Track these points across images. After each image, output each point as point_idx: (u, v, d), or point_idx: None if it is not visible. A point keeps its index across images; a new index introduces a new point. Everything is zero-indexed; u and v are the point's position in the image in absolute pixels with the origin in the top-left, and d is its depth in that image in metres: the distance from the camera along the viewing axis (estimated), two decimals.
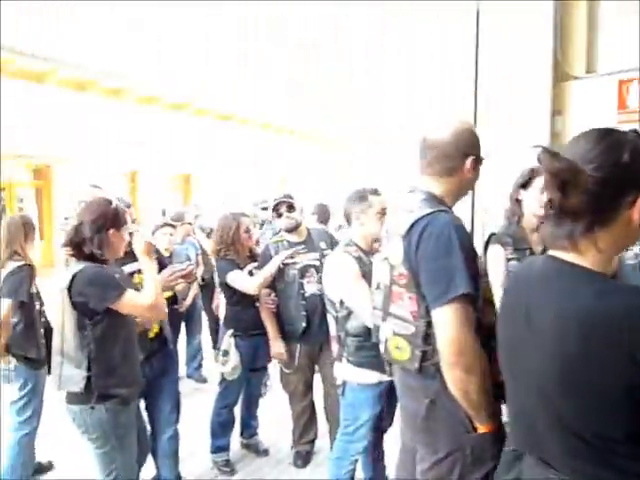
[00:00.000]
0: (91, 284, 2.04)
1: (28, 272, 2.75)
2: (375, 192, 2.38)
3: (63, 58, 9.11)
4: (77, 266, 2.09)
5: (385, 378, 2.29)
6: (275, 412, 3.67)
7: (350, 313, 2.27)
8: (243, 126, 13.62)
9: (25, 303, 2.73)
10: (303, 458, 3.25)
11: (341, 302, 2.29)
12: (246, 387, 3.26)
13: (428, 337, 1.45)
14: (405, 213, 1.53)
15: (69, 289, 2.03)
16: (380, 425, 2.42)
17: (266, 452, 3.39)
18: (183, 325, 4.63)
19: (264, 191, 7.72)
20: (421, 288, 1.45)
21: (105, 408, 2.08)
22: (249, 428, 3.45)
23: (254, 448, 3.42)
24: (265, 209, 5.02)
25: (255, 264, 3.11)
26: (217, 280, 3.30)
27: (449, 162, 1.58)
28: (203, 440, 3.29)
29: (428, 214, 1.46)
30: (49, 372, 2.79)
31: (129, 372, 2.18)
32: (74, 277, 2.05)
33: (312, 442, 3.30)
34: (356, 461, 2.40)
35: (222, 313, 3.30)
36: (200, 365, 4.80)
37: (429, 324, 1.44)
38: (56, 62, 8.98)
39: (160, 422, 2.73)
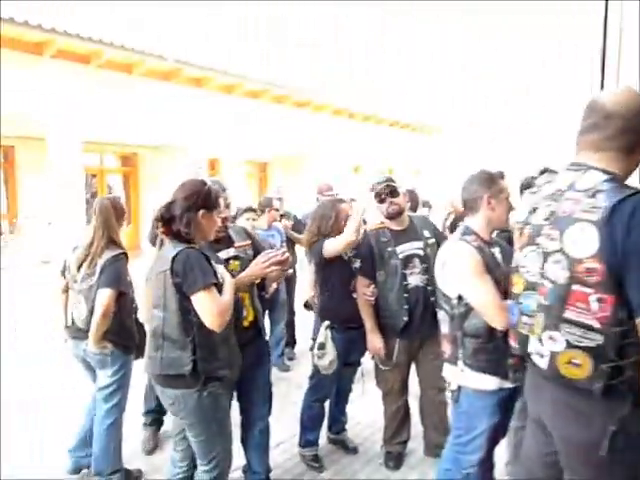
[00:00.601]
0: (184, 267, 1.98)
1: (124, 261, 2.70)
2: (502, 175, 2.10)
3: (149, 49, 9.38)
4: (174, 248, 2.02)
5: (506, 385, 2.03)
6: (365, 408, 3.51)
7: (469, 310, 2.00)
8: (318, 113, 13.48)
9: (123, 291, 2.70)
10: (395, 459, 3.06)
11: (459, 298, 2.02)
12: (337, 381, 3.09)
13: (622, 349, 1.17)
14: (582, 195, 1.26)
15: (171, 271, 1.97)
16: (496, 436, 2.15)
17: (355, 450, 3.23)
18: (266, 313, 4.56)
19: (338, 179, 7.54)
20: (625, 288, 1.17)
21: (207, 392, 2.04)
22: (337, 423, 3.30)
23: (342, 444, 3.27)
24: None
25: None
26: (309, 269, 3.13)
27: (635, 137, 1.30)
28: (289, 431, 3.21)
29: (632, 194, 1.19)
30: (136, 357, 2.77)
31: (231, 354, 2.16)
32: (174, 259, 1.99)
33: (404, 443, 3.10)
34: (468, 474, 2.16)
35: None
36: (283, 353, 4.73)
37: (625, 333, 1.16)
38: (142, 53, 9.26)
39: (252, 414, 2.63)
